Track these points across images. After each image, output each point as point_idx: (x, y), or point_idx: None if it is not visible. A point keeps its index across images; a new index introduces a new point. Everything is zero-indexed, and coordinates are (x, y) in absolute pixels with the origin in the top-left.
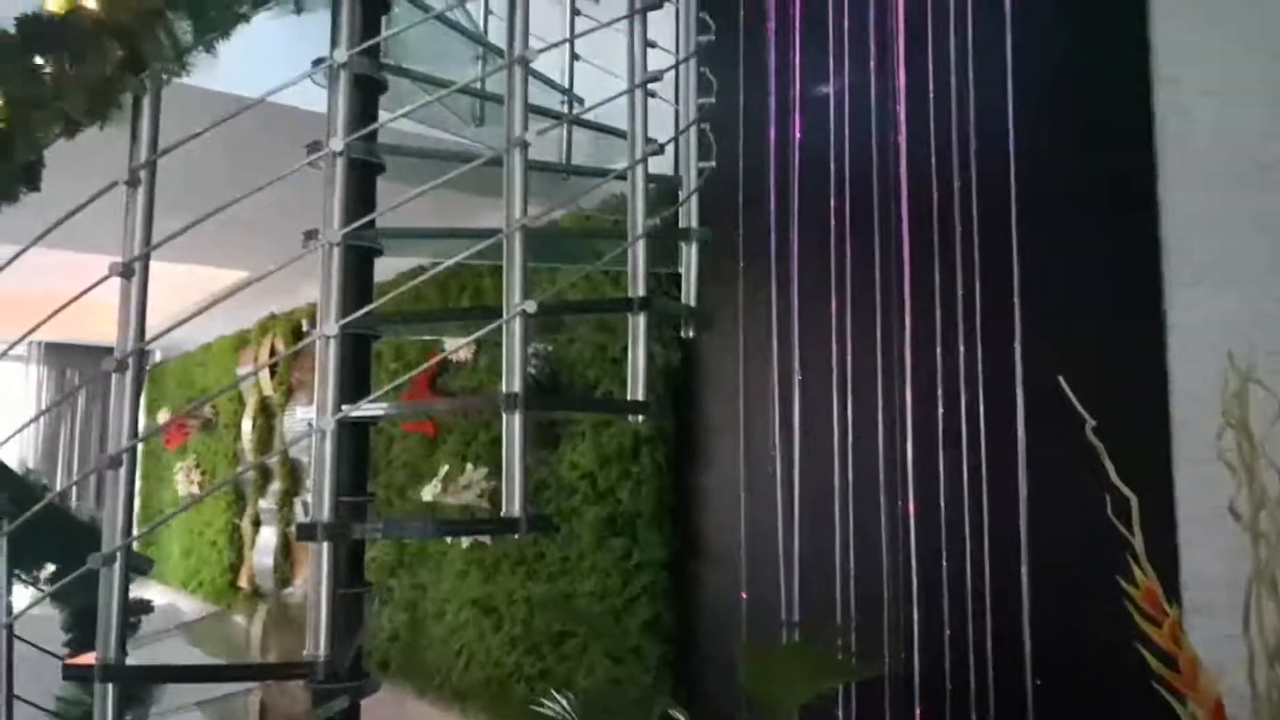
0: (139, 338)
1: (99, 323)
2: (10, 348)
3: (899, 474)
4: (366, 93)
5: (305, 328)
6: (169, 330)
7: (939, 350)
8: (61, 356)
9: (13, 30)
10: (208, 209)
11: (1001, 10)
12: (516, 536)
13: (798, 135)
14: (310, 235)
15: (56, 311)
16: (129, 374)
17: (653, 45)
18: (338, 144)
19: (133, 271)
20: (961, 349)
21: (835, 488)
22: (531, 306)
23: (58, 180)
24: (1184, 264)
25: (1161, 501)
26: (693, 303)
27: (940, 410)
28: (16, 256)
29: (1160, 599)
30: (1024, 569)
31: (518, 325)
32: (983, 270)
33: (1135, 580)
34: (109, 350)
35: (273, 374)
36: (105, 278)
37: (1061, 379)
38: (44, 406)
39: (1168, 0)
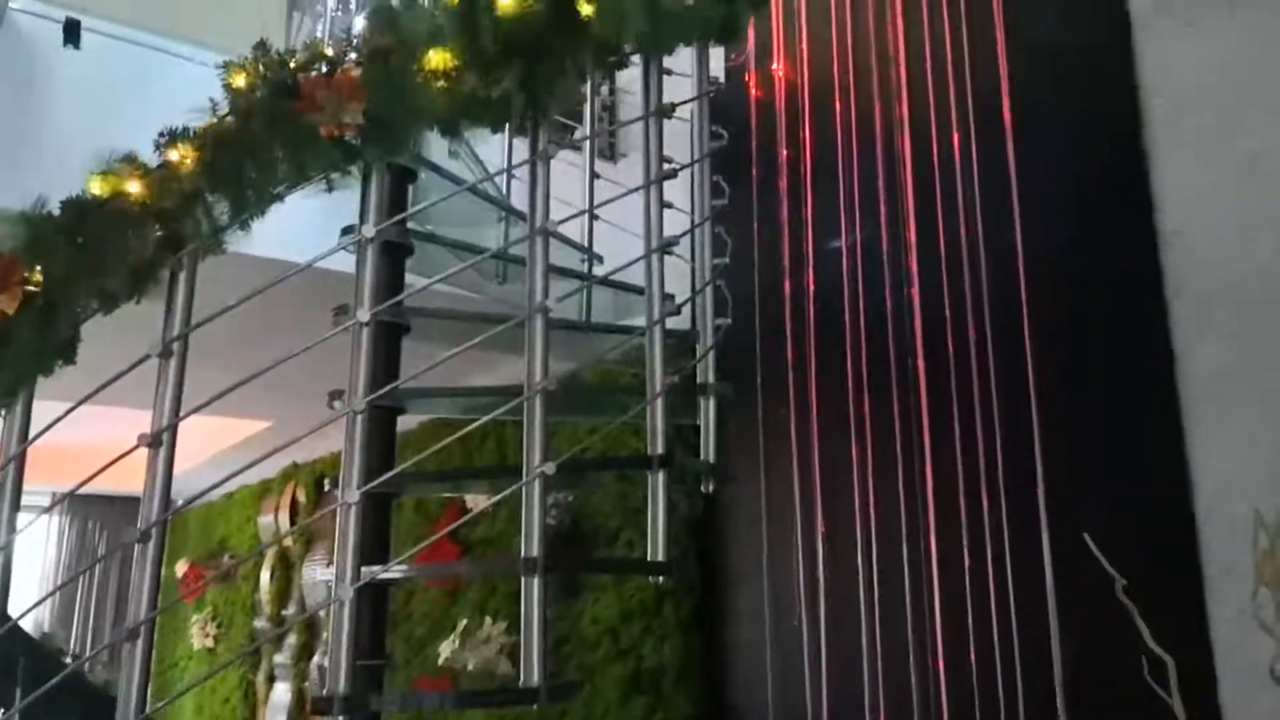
0: (163, 508)
1: (120, 472)
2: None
3: (928, 631)
4: (393, 258)
5: (327, 485)
6: (195, 499)
7: (962, 504)
8: (82, 506)
9: (58, 211)
10: (230, 360)
11: (1006, 166)
12: (535, 707)
13: (812, 288)
14: (335, 395)
15: (84, 482)
16: (151, 543)
17: (669, 206)
18: (364, 314)
19: (160, 442)
20: (985, 503)
21: (863, 643)
22: (551, 469)
23: (89, 331)
24: (1205, 415)
25: (1199, 662)
26: (712, 458)
27: (967, 563)
28: (55, 423)
29: None
30: None
31: (537, 487)
32: (1003, 423)
33: None
34: (130, 500)
35: (292, 523)
36: (133, 449)
37: (1088, 536)
38: (64, 558)
39: (1169, 154)
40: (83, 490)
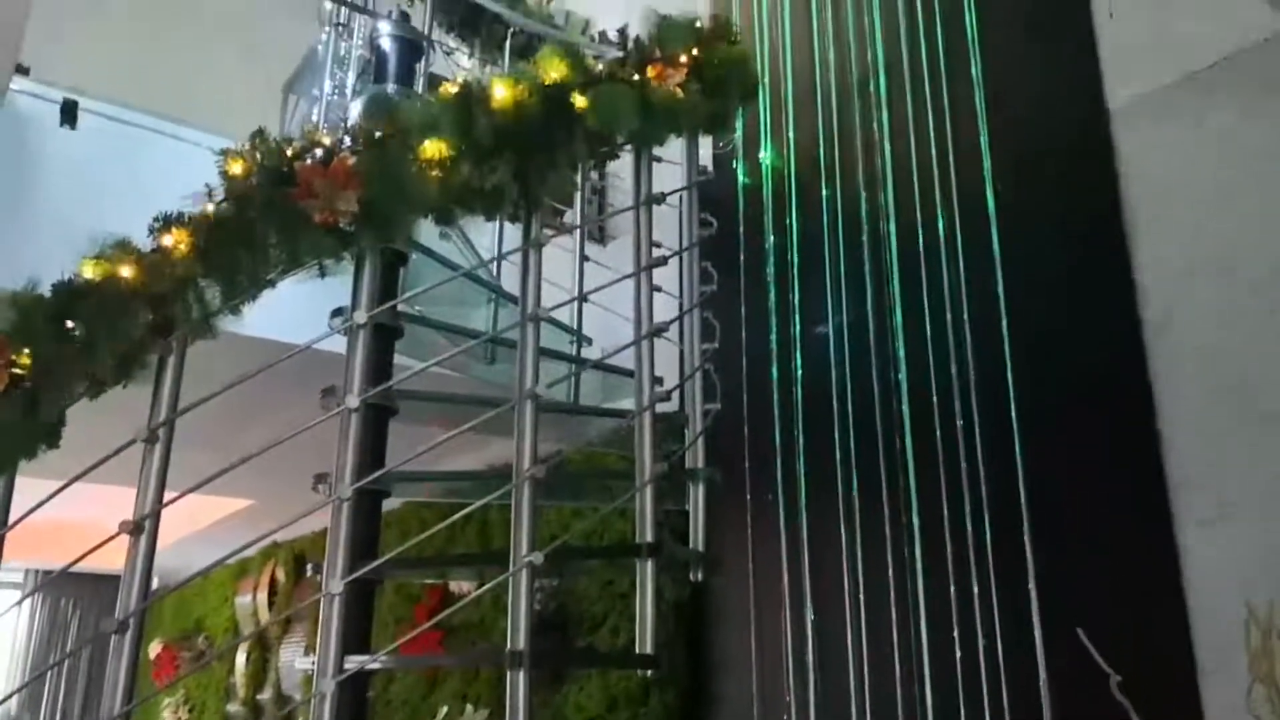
0: (143, 596)
1: (101, 552)
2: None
3: None
4: (383, 341)
5: (310, 569)
6: (175, 588)
7: (953, 591)
8: (56, 582)
9: (49, 295)
10: (214, 438)
11: (990, 252)
12: None
13: (800, 372)
14: (320, 479)
15: (65, 568)
16: (128, 634)
17: (658, 290)
18: (354, 401)
19: (142, 529)
20: (975, 590)
21: None
22: (538, 558)
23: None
24: (1194, 506)
25: None
26: (701, 545)
27: (959, 656)
28: (36, 508)
29: None
30: None
31: (524, 577)
32: (992, 512)
33: None
34: (105, 577)
35: (271, 603)
36: (114, 536)
37: (1081, 631)
38: (36, 635)
39: (1148, 241)
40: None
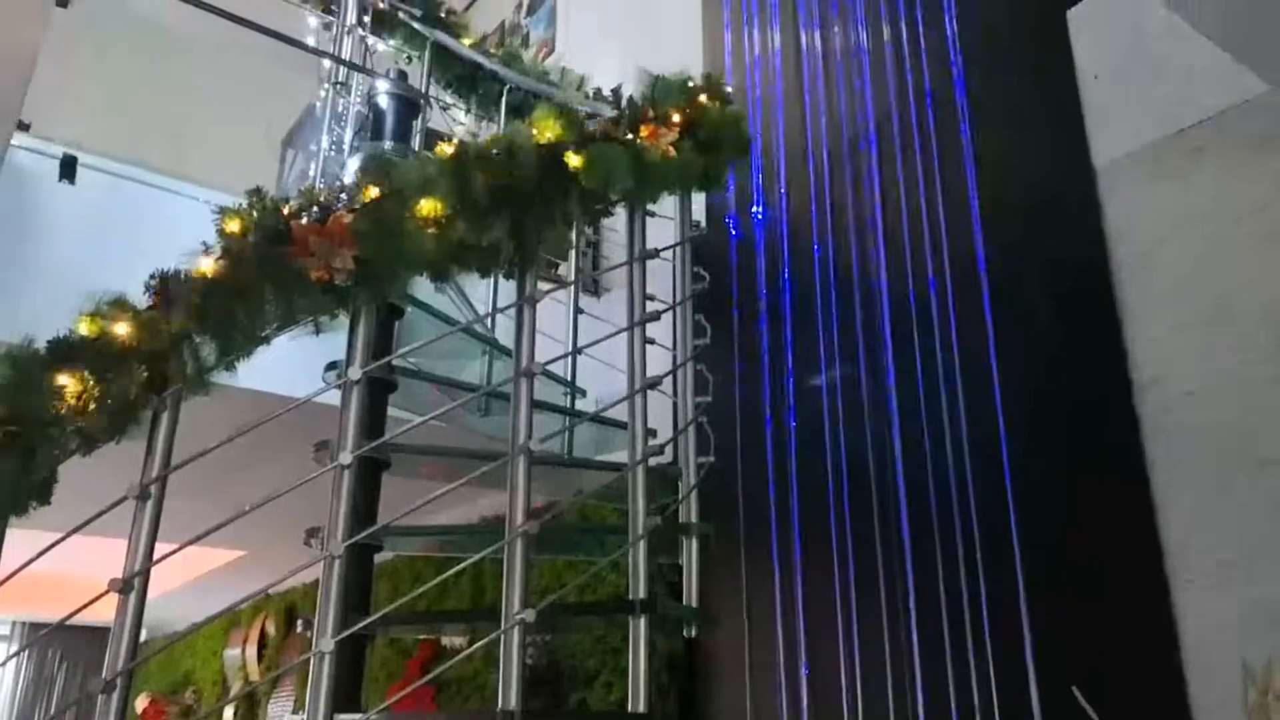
0: (131, 655)
1: (83, 599)
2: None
3: None
4: (377, 395)
5: (300, 624)
6: (164, 648)
7: (948, 648)
8: (43, 636)
9: (45, 350)
10: (205, 489)
11: (981, 311)
12: None
13: (793, 426)
14: (312, 534)
15: (55, 626)
16: (115, 694)
17: (651, 342)
18: (347, 457)
19: (131, 587)
20: (971, 647)
21: None
22: (531, 616)
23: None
24: (1189, 561)
25: None
26: (694, 601)
27: (954, 713)
28: (23, 567)
29: None
30: None
31: (516, 635)
32: (987, 569)
33: None
34: (92, 630)
35: (260, 658)
36: (103, 594)
37: (1076, 689)
38: (20, 687)
39: (1138, 301)
40: (43, 619)
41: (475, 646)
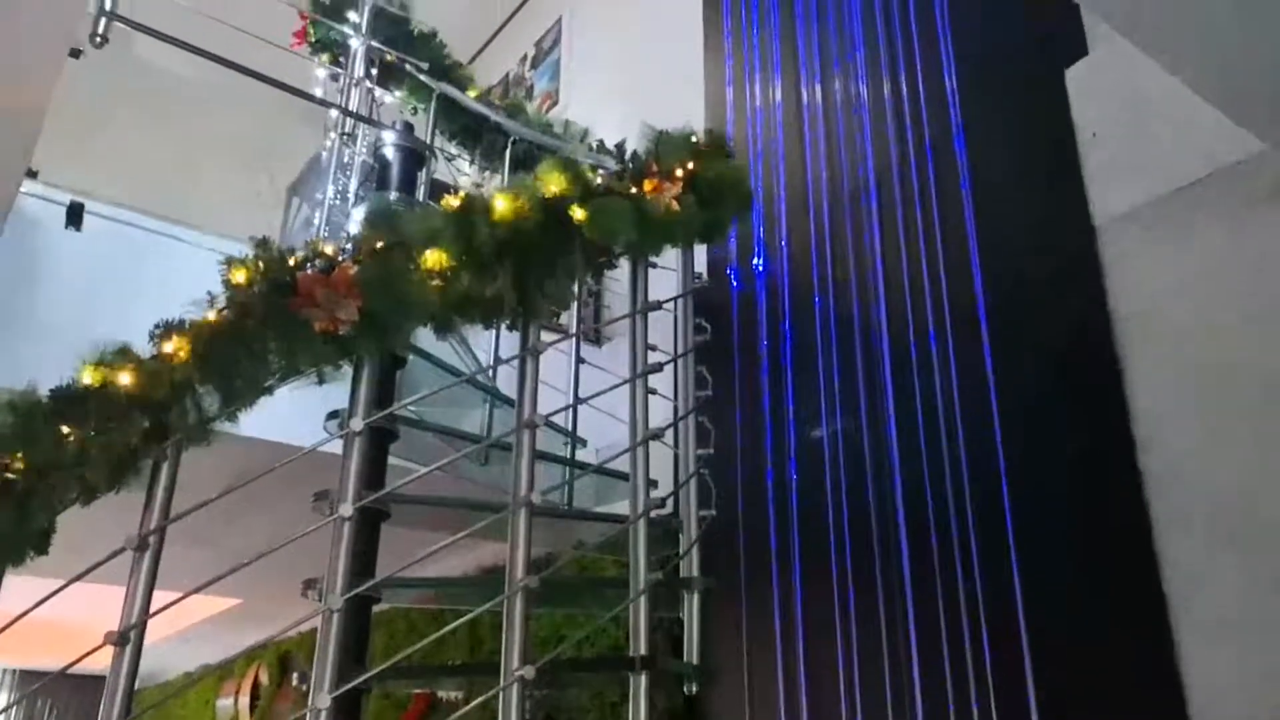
0: (125, 709)
1: (78, 650)
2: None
3: None
4: (378, 445)
5: (295, 677)
6: (157, 704)
7: (951, 705)
8: (33, 682)
9: (47, 399)
10: (202, 536)
11: (983, 366)
12: None
13: (794, 478)
14: (309, 585)
15: (53, 676)
16: None
17: (653, 392)
18: (348, 509)
19: (128, 640)
20: (974, 703)
21: None
22: (530, 673)
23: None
24: (1194, 620)
25: None
26: (695, 657)
27: None
28: (18, 619)
29: None
30: None
31: (515, 691)
32: (990, 623)
33: None
34: (85, 678)
35: (253, 707)
36: (99, 647)
37: None
38: None
39: (1140, 360)
40: (34, 666)
41: (473, 704)
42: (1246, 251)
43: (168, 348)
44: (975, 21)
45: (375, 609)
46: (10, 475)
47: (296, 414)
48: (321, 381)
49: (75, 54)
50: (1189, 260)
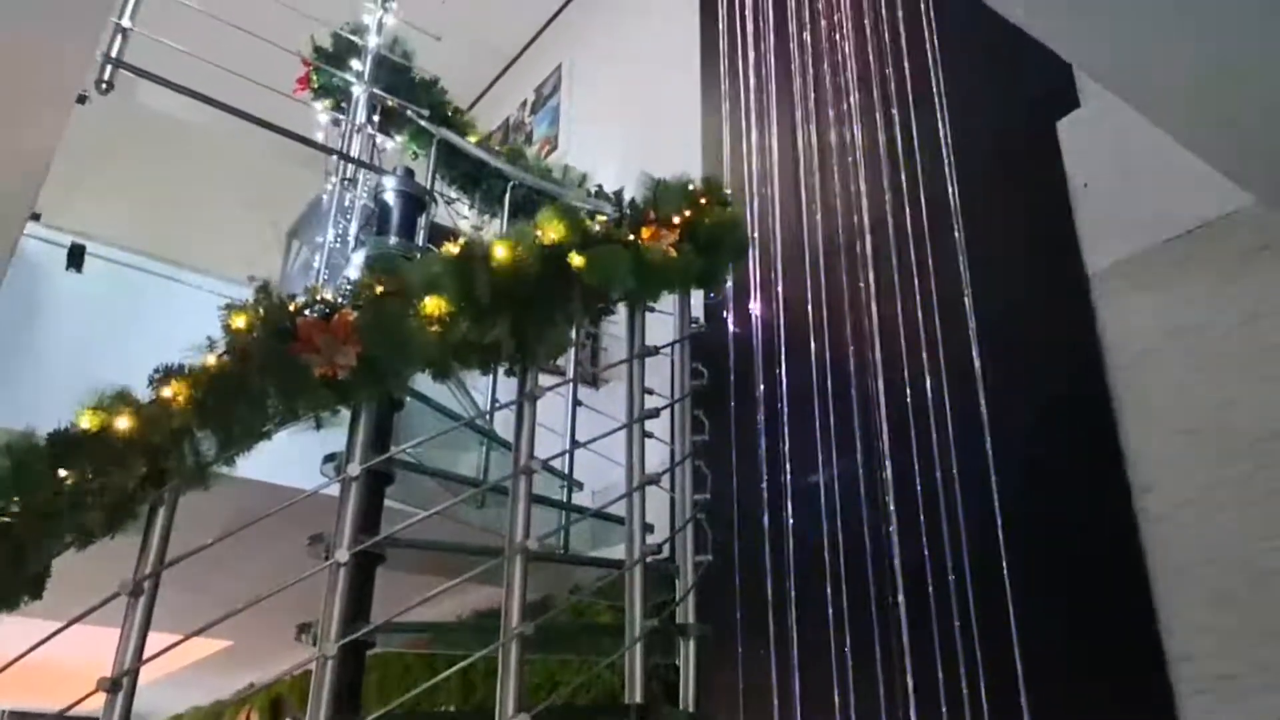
0: None
1: (65, 687)
2: None
3: None
4: (375, 489)
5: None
6: None
7: None
8: None
9: (44, 443)
10: (194, 578)
11: (979, 415)
12: None
13: (790, 523)
14: (303, 629)
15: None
16: None
17: (649, 436)
18: (344, 555)
19: (120, 686)
20: None
21: None
22: None
23: None
24: (1194, 673)
25: None
26: (691, 706)
27: None
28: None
29: None
30: None
31: None
32: (987, 677)
33: None
34: None
35: None
36: (90, 694)
37: None
38: None
39: (1133, 411)
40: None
41: None
42: (1239, 302)
43: (166, 392)
44: (969, 72)
45: (369, 652)
46: (6, 519)
47: (293, 455)
48: (319, 427)
49: (81, 99)
50: (1182, 310)
